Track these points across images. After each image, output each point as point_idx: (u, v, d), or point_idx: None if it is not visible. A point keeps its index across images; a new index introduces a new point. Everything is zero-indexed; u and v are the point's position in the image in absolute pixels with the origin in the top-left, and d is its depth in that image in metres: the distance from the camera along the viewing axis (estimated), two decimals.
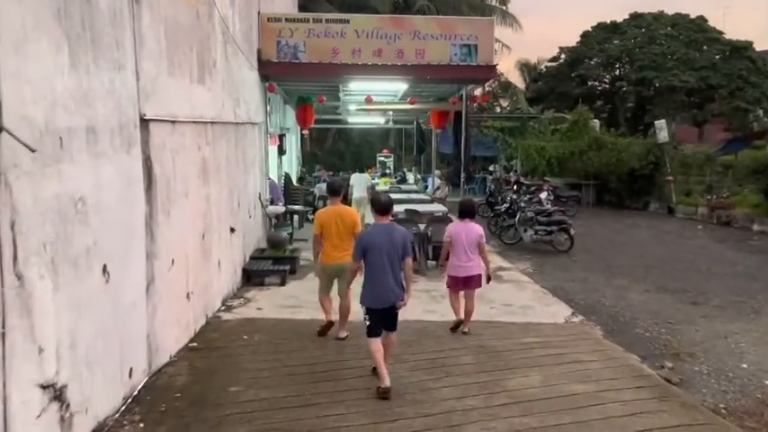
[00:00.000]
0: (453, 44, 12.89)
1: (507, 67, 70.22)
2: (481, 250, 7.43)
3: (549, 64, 43.85)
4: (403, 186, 21.07)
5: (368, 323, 5.74)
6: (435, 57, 12.84)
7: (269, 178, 14.89)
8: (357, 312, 6.38)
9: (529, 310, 8.99)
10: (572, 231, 14.10)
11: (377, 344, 5.68)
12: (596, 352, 6.99)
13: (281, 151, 16.35)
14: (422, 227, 11.57)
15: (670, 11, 40.36)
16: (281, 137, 16.18)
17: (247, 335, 7.40)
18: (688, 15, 39.84)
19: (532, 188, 19.92)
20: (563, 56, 43.02)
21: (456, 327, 7.55)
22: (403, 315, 8.49)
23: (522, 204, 14.81)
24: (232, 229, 9.38)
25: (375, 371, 5.73)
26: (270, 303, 9.08)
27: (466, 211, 7.68)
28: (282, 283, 10.31)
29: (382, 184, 21.39)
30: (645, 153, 21.24)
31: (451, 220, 11.63)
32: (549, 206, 15.75)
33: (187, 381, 5.82)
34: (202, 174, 7.57)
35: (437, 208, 14.96)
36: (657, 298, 10.31)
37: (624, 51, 39.53)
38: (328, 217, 7.10)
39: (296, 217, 16.35)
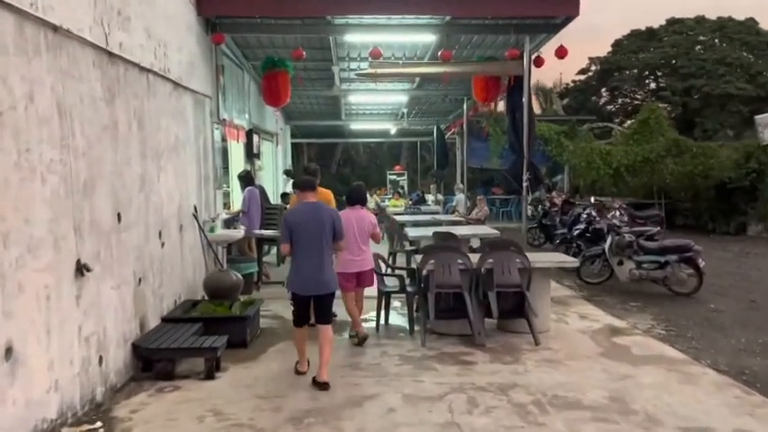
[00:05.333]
0: None
1: None
2: (375, 240, 6.50)
3: (577, 77, 39.13)
4: (422, 207, 16.06)
5: (293, 311, 5.21)
6: None
7: (254, 186, 10.03)
8: None
9: None
10: (701, 263, 8.92)
11: (302, 332, 5.23)
12: None
13: (252, 154, 11.40)
14: (474, 260, 6.46)
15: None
16: (250, 134, 11.24)
17: None
18: (732, 18, 35.38)
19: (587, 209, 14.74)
20: (593, 67, 38.42)
21: (362, 341, 6.19)
22: None
23: (616, 223, 9.65)
24: (83, 269, 4.30)
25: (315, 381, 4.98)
26: None
27: (356, 198, 6.40)
28: (209, 375, 5.21)
29: (392, 206, 16.49)
30: (744, 159, 16.09)
31: (521, 250, 6.60)
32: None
33: None
34: None
35: (484, 230, 9.85)
36: None
37: (664, 58, 34.88)
38: None
39: (273, 248, 11.30)
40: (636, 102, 38.85)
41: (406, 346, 6.17)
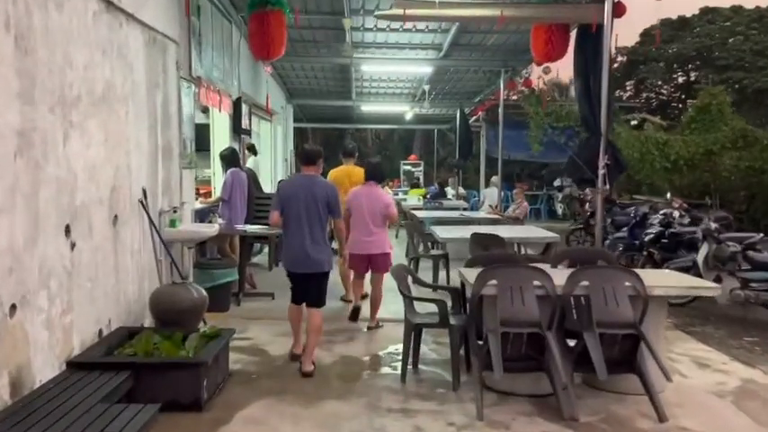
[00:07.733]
0: None
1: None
2: (391, 220, 6.05)
3: None
4: (445, 202, 13.82)
5: (291, 287, 4.97)
6: None
7: (239, 168, 7.93)
8: None
9: None
10: None
11: (295, 309, 4.94)
12: None
13: (241, 129, 9.14)
14: (556, 280, 4.16)
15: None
16: (238, 103, 8.96)
17: None
18: None
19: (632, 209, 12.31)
20: (619, 58, 36.03)
21: (354, 315, 6.06)
22: None
23: (714, 227, 7.39)
24: None
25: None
26: None
27: (371, 174, 6.09)
28: None
29: (413, 194, 14.64)
30: None
31: (624, 267, 4.30)
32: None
33: None
34: None
35: (533, 232, 7.61)
36: None
37: (697, 49, 32.60)
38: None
39: (264, 248, 9.08)
40: (661, 97, 36.63)
41: (450, 415, 3.91)
